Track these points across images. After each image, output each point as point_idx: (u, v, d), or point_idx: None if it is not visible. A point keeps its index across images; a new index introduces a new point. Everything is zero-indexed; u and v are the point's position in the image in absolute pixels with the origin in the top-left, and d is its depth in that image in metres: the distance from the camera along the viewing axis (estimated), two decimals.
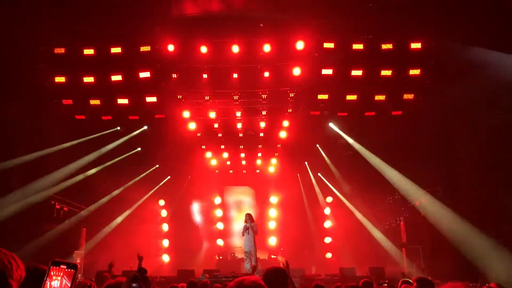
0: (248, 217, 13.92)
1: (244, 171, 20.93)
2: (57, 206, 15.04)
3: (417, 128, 14.85)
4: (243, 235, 13.75)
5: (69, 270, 1.69)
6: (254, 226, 13.69)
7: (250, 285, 2.40)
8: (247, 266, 13.75)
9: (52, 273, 1.67)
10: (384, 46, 12.34)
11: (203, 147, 18.29)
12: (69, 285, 1.67)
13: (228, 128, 16.80)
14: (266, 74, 13.22)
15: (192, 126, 16.11)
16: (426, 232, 15.14)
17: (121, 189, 17.96)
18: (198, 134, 17.15)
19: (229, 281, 11.34)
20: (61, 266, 1.69)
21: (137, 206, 19.60)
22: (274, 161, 19.92)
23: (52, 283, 1.65)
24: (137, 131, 16.32)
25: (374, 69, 12.88)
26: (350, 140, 16.71)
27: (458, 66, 12.07)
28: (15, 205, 12.86)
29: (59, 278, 1.66)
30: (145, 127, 16.27)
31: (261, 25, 12.10)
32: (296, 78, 13.50)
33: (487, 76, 11.06)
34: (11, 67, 11.78)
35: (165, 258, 20.05)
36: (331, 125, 16.31)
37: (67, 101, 13.74)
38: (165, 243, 20.44)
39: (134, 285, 3.70)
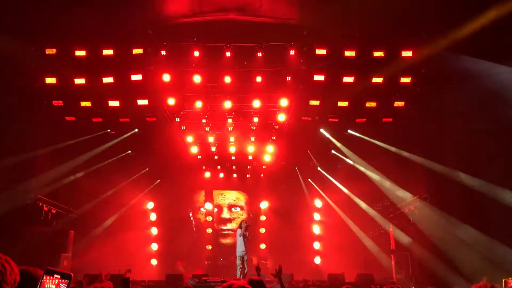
0: (244, 223, 14.07)
1: (235, 175, 20.87)
2: (45, 208, 14.87)
3: (406, 135, 14.98)
4: (244, 240, 13.85)
5: (63, 280, 1.65)
6: (247, 233, 13.88)
7: None
8: (238, 272, 13.78)
9: (45, 283, 1.63)
10: (376, 54, 12.43)
11: (194, 150, 18.15)
12: None
13: (220, 134, 16.80)
14: (259, 78, 13.20)
15: (183, 127, 16.02)
16: (415, 238, 15.24)
17: (110, 191, 17.82)
18: (190, 140, 17.10)
19: (218, 285, 11.30)
20: (55, 276, 1.65)
21: (126, 209, 19.49)
22: (264, 167, 19.89)
23: None
24: (128, 134, 16.20)
25: (366, 76, 12.97)
26: (339, 145, 16.80)
27: (448, 75, 12.21)
28: (2, 207, 12.71)
29: (52, 287, 1.63)
30: (136, 130, 16.16)
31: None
32: (288, 83, 13.58)
33: (476, 85, 11.21)
34: (0, 67, 11.66)
35: (154, 262, 19.91)
36: (322, 131, 16.38)
37: (58, 102, 13.61)
38: (154, 247, 20.30)
39: None
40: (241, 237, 13.80)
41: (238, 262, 13.87)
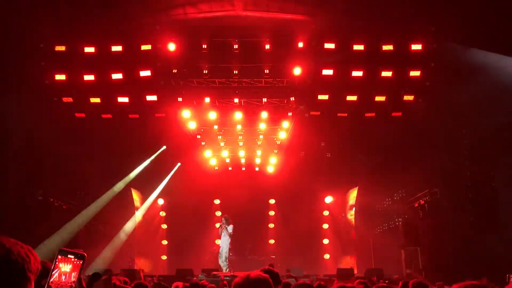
0: (225, 219, 14.16)
1: (243, 169, 20.82)
2: (56, 204, 15.02)
3: (416, 129, 14.89)
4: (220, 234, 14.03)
5: (76, 260, 1.65)
6: (230, 228, 13.99)
7: (256, 277, 2.46)
8: (221, 265, 14.00)
9: (59, 263, 1.63)
10: (385, 47, 12.37)
11: (203, 143, 18.21)
12: (76, 275, 1.64)
13: (228, 128, 16.80)
14: (267, 72, 13.22)
15: (192, 125, 16.07)
16: (424, 233, 15.18)
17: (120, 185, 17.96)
18: (198, 136, 17.20)
19: (227, 280, 11.34)
20: (69, 256, 1.65)
21: (136, 206, 19.68)
22: (273, 160, 19.84)
23: (59, 272, 1.62)
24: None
25: (375, 70, 12.90)
26: None
27: (458, 68, 12.11)
28: (14, 203, 12.88)
29: (66, 268, 1.63)
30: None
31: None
32: (296, 78, 13.55)
33: (487, 78, 11.11)
34: (12, 64, 11.77)
35: (164, 257, 20.04)
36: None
37: (67, 99, 13.70)
38: (164, 242, 20.42)
39: None
40: (223, 232, 14.06)
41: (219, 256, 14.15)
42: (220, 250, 14.05)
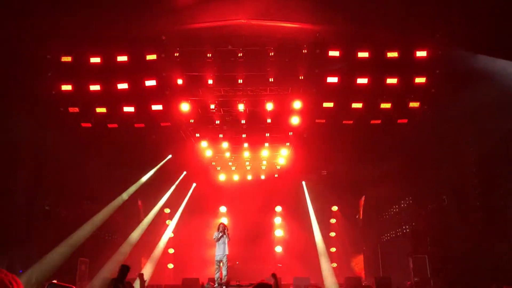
0: (223, 226, 14.11)
1: (249, 177, 20.86)
2: (62, 213, 15.07)
3: (423, 137, 14.79)
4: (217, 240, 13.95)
5: None
6: (227, 236, 13.94)
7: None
8: (216, 275, 13.89)
9: None
10: (389, 54, 12.32)
11: (208, 153, 18.31)
12: None
13: (233, 136, 16.84)
14: (271, 80, 13.23)
15: (197, 134, 16.16)
16: (432, 241, 15.03)
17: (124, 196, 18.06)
18: (204, 145, 17.25)
19: None
20: None
21: (142, 215, 19.76)
22: (279, 167, 19.94)
23: None
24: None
25: (380, 77, 12.85)
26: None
27: (464, 75, 12.02)
28: (22, 213, 12.94)
29: None
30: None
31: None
32: (301, 86, 13.56)
33: (493, 85, 11.01)
34: (19, 75, 11.88)
35: (170, 266, 20.03)
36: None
37: (74, 109, 13.79)
38: (170, 251, 20.41)
39: None
40: (219, 240, 13.95)
41: (216, 266, 13.98)
42: (221, 259, 13.92)
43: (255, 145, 17.58)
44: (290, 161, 18.94)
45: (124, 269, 3.57)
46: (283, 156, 18.76)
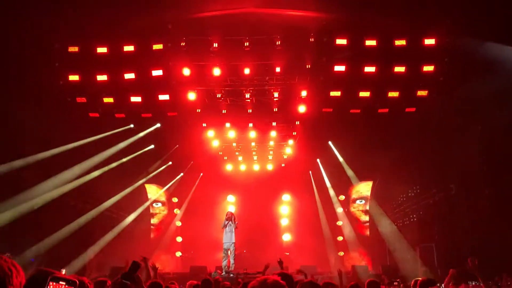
0: (230, 215, 14.31)
1: (257, 167, 20.93)
2: (71, 203, 15.22)
3: (431, 125, 14.69)
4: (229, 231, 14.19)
5: (67, 287, 1.67)
6: (234, 224, 14.17)
7: (273, 284, 2.47)
8: (224, 263, 14.08)
9: None
10: (397, 42, 12.21)
11: (215, 143, 18.37)
12: None
13: (240, 127, 16.84)
14: (278, 70, 13.15)
15: (204, 124, 16.19)
16: (440, 230, 15.01)
17: (134, 185, 18.20)
18: (211, 134, 17.27)
19: (240, 277, 11.38)
20: (60, 283, 1.66)
21: (150, 204, 19.94)
22: (285, 156, 19.99)
23: None
24: (151, 129, 16.45)
25: (388, 66, 12.76)
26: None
27: (473, 62, 11.88)
28: (29, 203, 13.08)
29: None
30: (158, 125, 16.36)
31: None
32: (308, 75, 13.49)
33: (503, 72, 10.89)
34: (27, 66, 11.93)
35: (178, 254, 20.20)
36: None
37: (81, 99, 13.86)
38: (178, 239, 20.58)
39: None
40: (227, 228, 14.12)
41: (223, 254, 14.36)
42: (228, 247, 14.11)
43: (262, 135, 17.56)
44: (297, 151, 18.94)
45: (135, 267, 3.60)
46: (290, 145, 18.76)
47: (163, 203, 20.93)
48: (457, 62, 12.37)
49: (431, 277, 6.40)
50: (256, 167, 20.90)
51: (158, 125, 16.37)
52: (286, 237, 20.69)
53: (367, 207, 19.91)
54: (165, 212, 21.01)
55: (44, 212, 13.68)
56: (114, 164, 16.39)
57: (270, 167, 20.89)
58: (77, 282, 1.66)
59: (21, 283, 1.56)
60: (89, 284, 2.25)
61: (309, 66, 13.26)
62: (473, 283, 6.49)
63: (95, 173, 15.77)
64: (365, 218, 19.95)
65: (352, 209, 20.26)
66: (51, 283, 1.65)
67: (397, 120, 15.09)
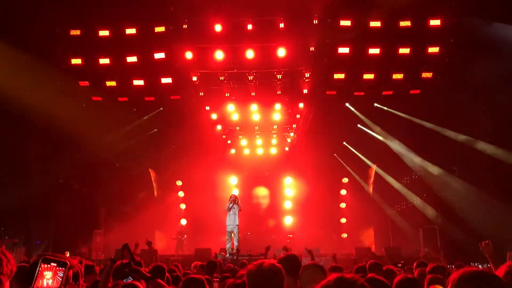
0: (234, 197, 14.48)
1: (260, 150, 20.94)
2: (76, 187, 15.34)
3: (435, 107, 14.59)
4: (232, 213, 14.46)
5: (59, 268, 1.71)
6: (238, 207, 14.36)
7: (269, 267, 2.49)
8: (227, 245, 14.24)
9: (43, 270, 1.69)
10: (402, 23, 12.04)
11: (219, 127, 18.39)
12: (59, 282, 1.69)
13: (243, 109, 16.75)
14: (282, 52, 12.99)
15: (207, 107, 16.16)
16: (443, 212, 15.04)
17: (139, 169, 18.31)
18: (214, 117, 17.23)
19: (244, 258, 11.49)
20: (52, 264, 1.70)
21: (155, 187, 20.07)
22: (289, 140, 19.98)
23: (43, 280, 1.67)
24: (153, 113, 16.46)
25: (392, 47, 12.61)
26: (366, 121, 16.60)
27: (479, 43, 11.72)
28: (36, 186, 13.18)
29: (49, 275, 1.69)
30: (161, 109, 16.33)
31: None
32: (311, 57, 13.35)
33: (509, 53, 10.75)
34: (29, 50, 11.87)
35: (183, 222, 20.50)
36: (347, 105, 16.19)
37: (84, 83, 13.82)
38: (183, 222, 20.78)
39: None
40: (230, 211, 14.40)
41: (227, 236, 14.61)
42: (232, 229, 14.30)
43: (266, 117, 17.49)
44: (300, 134, 18.92)
45: (125, 250, 3.58)
46: (293, 128, 18.72)
47: (166, 183, 21.05)
48: (463, 43, 12.19)
49: (434, 258, 6.44)
50: (259, 151, 20.92)
51: (161, 109, 16.33)
52: (289, 220, 20.81)
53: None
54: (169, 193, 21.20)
55: (50, 196, 13.82)
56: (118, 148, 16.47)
57: (273, 150, 20.92)
58: (68, 263, 1.70)
59: (11, 270, 1.58)
60: (79, 264, 2.33)
61: (313, 49, 13.12)
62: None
63: (101, 156, 15.86)
64: None
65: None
66: (42, 265, 1.68)
67: (400, 103, 15.01)
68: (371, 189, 19.72)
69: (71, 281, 2.17)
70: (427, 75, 13.41)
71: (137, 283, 3.68)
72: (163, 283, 4.19)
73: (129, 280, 3.67)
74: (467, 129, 13.30)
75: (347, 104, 16.14)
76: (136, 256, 3.90)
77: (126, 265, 3.65)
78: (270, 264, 2.55)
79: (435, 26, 11.99)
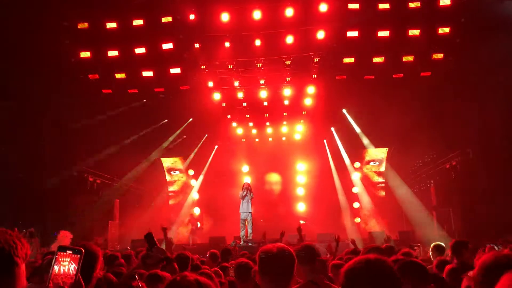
0: (247, 185, 14.55)
1: (270, 139, 20.93)
2: (90, 179, 15.52)
3: (447, 89, 14.40)
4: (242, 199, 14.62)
5: (75, 255, 1.78)
6: (251, 195, 14.43)
7: (280, 248, 2.52)
8: (242, 233, 14.33)
9: (59, 258, 1.78)
10: (411, 4, 11.84)
11: (229, 116, 18.40)
12: (76, 269, 1.78)
13: (253, 97, 16.69)
14: (290, 39, 12.89)
15: (216, 96, 16.12)
16: (457, 194, 14.95)
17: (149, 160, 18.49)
18: (223, 104, 17.20)
19: (261, 245, 11.57)
20: (67, 252, 1.79)
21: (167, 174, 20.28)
22: (300, 128, 19.87)
23: (60, 268, 1.76)
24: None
25: (402, 29, 12.44)
26: None
27: (490, 22, 11.49)
28: (51, 179, 13.39)
29: (66, 263, 1.77)
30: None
31: None
32: (320, 42, 13.21)
33: None
34: (37, 45, 11.95)
35: (197, 225, 20.61)
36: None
37: (93, 76, 13.90)
38: (196, 211, 20.93)
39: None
40: (244, 199, 14.54)
41: (241, 224, 14.71)
42: (246, 217, 14.41)
43: (275, 104, 17.35)
44: (310, 120, 18.81)
45: (150, 238, 3.69)
46: (304, 114, 18.49)
47: (180, 171, 21.24)
48: (474, 23, 11.95)
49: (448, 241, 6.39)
50: (270, 138, 20.90)
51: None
52: (301, 207, 20.84)
53: (381, 169, 19.92)
54: (184, 178, 21.33)
55: (64, 188, 14.02)
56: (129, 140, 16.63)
57: (284, 137, 20.86)
58: (83, 250, 1.78)
59: (26, 254, 1.68)
60: (96, 251, 2.41)
61: (322, 33, 12.98)
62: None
63: (112, 149, 16.02)
64: (378, 179, 20.01)
65: (365, 170, 20.27)
66: (59, 253, 1.77)
67: (412, 85, 14.83)
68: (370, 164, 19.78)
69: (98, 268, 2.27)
70: (438, 56, 13.21)
71: (162, 272, 3.76)
72: (177, 268, 4.31)
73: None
74: (480, 110, 13.13)
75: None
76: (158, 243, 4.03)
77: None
78: (280, 247, 2.60)
79: (445, 6, 11.76)
